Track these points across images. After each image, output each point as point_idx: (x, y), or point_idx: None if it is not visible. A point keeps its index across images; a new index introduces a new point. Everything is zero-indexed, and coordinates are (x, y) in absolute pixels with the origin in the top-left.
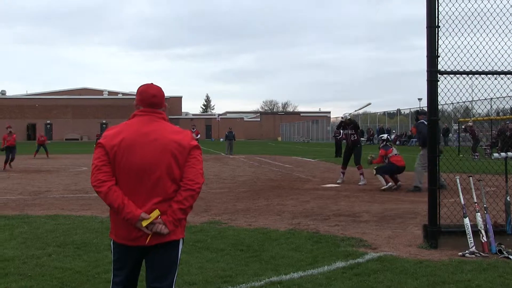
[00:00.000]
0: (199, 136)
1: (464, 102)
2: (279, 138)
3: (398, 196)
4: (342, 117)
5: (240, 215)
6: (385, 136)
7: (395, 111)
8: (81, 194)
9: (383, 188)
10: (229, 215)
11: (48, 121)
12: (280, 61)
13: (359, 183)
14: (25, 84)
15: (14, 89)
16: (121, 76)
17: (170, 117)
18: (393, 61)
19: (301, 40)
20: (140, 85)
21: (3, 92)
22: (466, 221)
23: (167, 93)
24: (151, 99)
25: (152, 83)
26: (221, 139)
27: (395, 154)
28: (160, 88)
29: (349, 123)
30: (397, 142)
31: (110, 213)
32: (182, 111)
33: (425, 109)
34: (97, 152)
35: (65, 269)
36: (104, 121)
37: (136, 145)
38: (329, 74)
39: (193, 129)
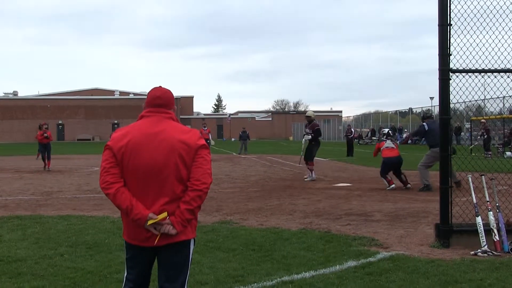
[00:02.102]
0: (210, 135)
1: (476, 100)
2: (291, 138)
3: (410, 195)
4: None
5: (251, 215)
6: (386, 130)
7: (407, 110)
8: (93, 194)
9: (387, 188)
10: (241, 214)
11: (60, 122)
12: (292, 61)
13: (306, 178)
14: (37, 85)
15: (26, 90)
16: (133, 77)
17: (181, 117)
18: (405, 60)
19: (313, 40)
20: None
21: (15, 93)
22: (479, 220)
23: (178, 93)
24: (155, 101)
25: (160, 86)
26: (233, 139)
27: (386, 147)
28: (168, 90)
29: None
30: (409, 141)
31: (121, 214)
32: (194, 110)
33: (437, 108)
34: (105, 154)
35: (77, 269)
36: (115, 121)
37: (143, 145)
38: (341, 74)
39: (205, 127)
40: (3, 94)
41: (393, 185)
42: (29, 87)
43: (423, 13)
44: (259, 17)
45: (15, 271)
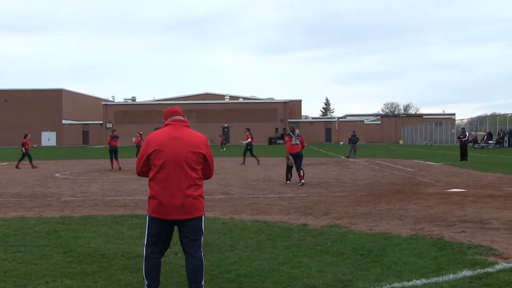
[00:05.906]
0: (249, 140)
1: None
2: (401, 141)
3: None
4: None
5: (360, 219)
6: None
7: None
8: (206, 196)
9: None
10: (350, 219)
11: None
12: (402, 63)
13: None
14: (153, 91)
15: (143, 95)
16: (243, 81)
17: (289, 120)
18: None
19: (423, 41)
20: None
21: (134, 99)
22: None
23: (287, 97)
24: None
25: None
26: (341, 143)
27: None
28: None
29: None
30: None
31: None
32: (302, 114)
33: None
34: None
35: None
36: (225, 125)
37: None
38: (454, 75)
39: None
40: (123, 100)
41: (303, 180)
42: (145, 93)
43: None
44: (369, 18)
45: (135, 267)
